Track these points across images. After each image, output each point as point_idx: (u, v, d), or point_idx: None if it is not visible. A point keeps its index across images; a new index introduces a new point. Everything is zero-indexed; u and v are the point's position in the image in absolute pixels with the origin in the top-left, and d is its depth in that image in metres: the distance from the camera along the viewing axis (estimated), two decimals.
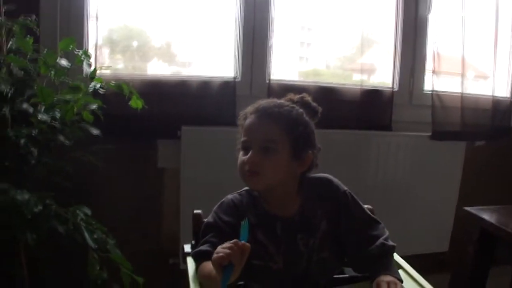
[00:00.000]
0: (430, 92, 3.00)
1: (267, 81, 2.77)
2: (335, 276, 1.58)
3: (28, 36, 2.12)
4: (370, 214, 1.61)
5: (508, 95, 3.27)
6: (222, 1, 2.78)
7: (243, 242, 1.28)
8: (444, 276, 2.65)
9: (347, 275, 1.62)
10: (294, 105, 1.57)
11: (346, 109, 2.89)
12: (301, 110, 1.56)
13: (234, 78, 2.73)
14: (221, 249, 1.27)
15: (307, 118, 1.56)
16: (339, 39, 3.08)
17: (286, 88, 2.62)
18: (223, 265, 1.25)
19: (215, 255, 1.27)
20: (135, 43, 2.86)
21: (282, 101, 1.59)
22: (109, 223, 2.19)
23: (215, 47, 2.82)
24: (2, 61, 2.09)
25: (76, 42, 2.20)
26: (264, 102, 1.56)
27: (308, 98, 1.63)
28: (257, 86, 2.77)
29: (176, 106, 2.62)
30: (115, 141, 2.38)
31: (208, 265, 1.37)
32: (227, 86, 2.70)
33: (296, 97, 1.62)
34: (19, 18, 2.12)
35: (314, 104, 1.63)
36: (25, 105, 2.07)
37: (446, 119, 3.02)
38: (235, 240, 1.28)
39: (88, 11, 2.57)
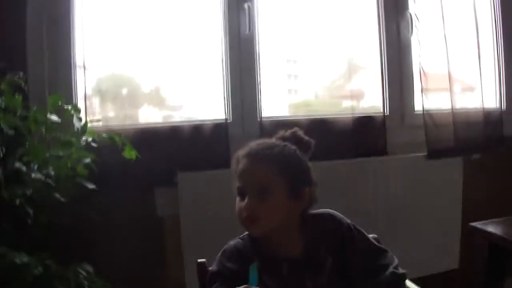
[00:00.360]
0: (421, 112, 3.01)
1: (259, 120, 2.77)
2: None
3: (17, 93, 2.11)
4: (377, 244, 1.58)
5: (497, 105, 3.32)
6: (207, 43, 2.79)
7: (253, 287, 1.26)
8: None
9: None
10: (286, 143, 1.55)
11: (339, 138, 2.89)
12: (293, 147, 1.54)
13: (226, 119, 2.72)
14: None
15: (300, 155, 1.54)
16: (325, 67, 3.10)
17: (278, 124, 2.63)
18: None
19: None
20: (124, 91, 2.88)
21: (273, 141, 1.57)
22: (112, 277, 2.17)
23: (204, 88, 2.84)
24: None
25: (64, 97, 2.22)
26: (254, 144, 1.54)
27: (300, 133, 1.61)
28: (249, 125, 2.77)
29: (170, 152, 2.60)
30: (111, 193, 2.37)
31: None
32: (219, 128, 2.70)
33: (288, 133, 1.60)
34: (6, 77, 2.11)
35: (306, 138, 1.60)
36: (17, 164, 2.05)
37: (439, 136, 3.03)
38: (246, 285, 1.27)
39: (75, 62, 2.56)
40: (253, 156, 1.50)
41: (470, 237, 2.66)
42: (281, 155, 1.50)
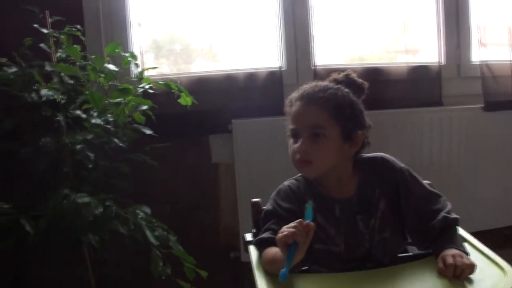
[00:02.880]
0: (478, 63, 2.93)
1: (313, 67, 2.76)
2: (399, 255, 1.56)
3: (75, 45, 2.17)
4: (430, 188, 1.58)
5: None
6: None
7: (307, 221, 1.29)
8: (510, 251, 2.59)
9: (410, 253, 1.59)
10: (339, 86, 1.55)
11: (394, 88, 2.85)
12: (346, 90, 1.54)
13: (280, 67, 2.73)
14: (286, 229, 1.28)
15: (353, 98, 1.54)
16: (380, 21, 3.04)
17: (332, 72, 2.59)
18: (288, 244, 1.26)
19: (279, 234, 1.28)
20: (177, 47, 2.91)
21: (326, 83, 1.57)
22: (167, 221, 2.24)
23: (257, 41, 2.84)
24: (52, 70, 2.14)
25: (121, 47, 2.25)
26: (308, 87, 1.55)
27: (353, 75, 1.61)
28: (303, 74, 2.75)
29: (224, 100, 2.64)
30: (167, 140, 2.42)
31: (271, 251, 1.39)
32: (273, 76, 2.71)
33: (341, 75, 1.60)
34: (65, 29, 2.18)
35: (359, 80, 1.60)
36: (78, 111, 2.12)
37: (497, 88, 2.94)
38: (299, 219, 1.29)
39: (130, 19, 2.63)
40: (306, 98, 1.51)
41: None
42: (335, 98, 1.50)
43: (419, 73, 2.90)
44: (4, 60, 2.15)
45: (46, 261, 2.14)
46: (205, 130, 2.67)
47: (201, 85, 2.64)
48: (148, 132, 2.24)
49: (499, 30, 2.99)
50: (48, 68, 2.13)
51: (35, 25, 2.17)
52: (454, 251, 1.36)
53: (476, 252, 1.45)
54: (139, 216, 2.07)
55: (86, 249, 2.20)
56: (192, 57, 2.90)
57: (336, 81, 1.58)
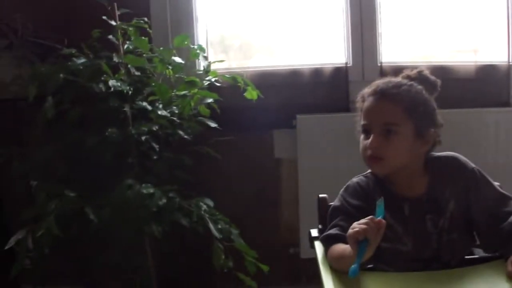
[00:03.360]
0: None
1: (379, 64, 2.73)
2: (466, 257, 1.52)
3: (142, 37, 2.19)
4: (501, 190, 1.52)
5: None
6: None
7: (379, 218, 1.26)
8: None
9: (477, 256, 1.55)
10: (412, 83, 1.52)
11: (461, 87, 2.77)
12: (419, 86, 1.51)
13: (346, 63, 2.71)
14: (357, 225, 1.26)
15: (426, 95, 1.51)
16: (448, 19, 2.97)
17: (398, 69, 2.52)
18: (359, 241, 1.24)
19: (350, 230, 1.26)
20: (238, 42, 2.91)
21: (399, 79, 1.54)
22: (229, 214, 2.24)
23: (324, 37, 2.82)
24: (120, 62, 2.17)
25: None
26: (381, 82, 1.52)
27: (426, 72, 1.58)
28: (369, 70, 2.72)
29: (289, 95, 2.64)
30: (231, 134, 2.43)
31: (338, 247, 1.37)
32: (338, 72, 2.68)
33: (413, 72, 1.57)
34: (132, 21, 2.21)
35: (432, 77, 1.57)
36: (144, 103, 2.15)
37: None
38: (371, 216, 1.27)
39: (196, 14, 2.66)
40: (380, 94, 1.48)
41: None
42: (409, 95, 1.47)
43: (487, 72, 2.82)
44: (73, 51, 2.20)
45: (109, 250, 2.17)
46: (269, 125, 2.67)
47: (265, 80, 2.64)
48: (213, 125, 2.25)
49: None
50: (116, 59, 2.18)
51: (104, 17, 2.21)
52: None
53: None
54: (203, 209, 2.08)
55: (147, 240, 2.23)
56: (252, 52, 2.90)
57: (409, 78, 1.55)
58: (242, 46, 2.91)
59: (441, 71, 2.78)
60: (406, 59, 2.93)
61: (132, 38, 2.19)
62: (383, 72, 2.67)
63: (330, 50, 2.81)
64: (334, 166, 2.42)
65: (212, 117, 2.27)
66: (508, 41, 2.88)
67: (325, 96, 2.65)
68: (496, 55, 2.94)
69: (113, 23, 2.21)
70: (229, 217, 2.22)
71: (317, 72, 2.67)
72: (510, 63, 2.85)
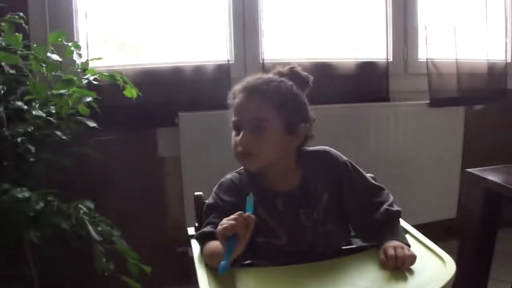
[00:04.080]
0: (425, 61, 3.00)
1: (261, 61, 2.78)
2: (343, 247, 1.57)
3: (18, 33, 2.10)
4: (373, 181, 1.58)
5: (503, 58, 3.27)
6: None
7: (248, 213, 1.28)
8: (453, 243, 2.63)
9: (353, 246, 1.60)
10: (282, 79, 1.53)
11: (342, 83, 2.88)
12: (290, 83, 1.53)
13: (228, 60, 2.73)
14: (226, 221, 1.27)
15: (297, 91, 1.53)
16: (330, 17, 3.06)
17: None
18: (228, 237, 1.25)
19: (219, 227, 1.27)
20: (125, 38, 2.86)
21: (270, 76, 1.56)
22: (113, 215, 2.20)
23: (206, 34, 2.83)
24: None
25: (66, 37, 2.18)
26: (251, 79, 1.54)
27: (298, 68, 1.59)
28: (251, 67, 2.76)
29: (171, 93, 2.62)
30: (113, 133, 2.39)
31: (212, 245, 1.38)
32: (221, 69, 2.70)
33: (285, 69, 1.58)
34: (6, 16, 2.11)
35: (304, 73, 1.59)
36: (19, 103, 2.06)
37: (442, 86, 3.03)
38: (240, 212, 1.29)
39: (77, 8, 2.57)
40: (249, 90, 1.50)
41: (468, 186, 2.66)
42: (278, 91, 1.49)
43: (367, 68, 2.95)
44: None
45: None
46: (152, 123, 2.65)
47: (148, 78, 2.60)
48: (92, 124, 2.18)
49: (444, 29, 3.06)
50: None
51: None
52: (395, 243, 1.37)
53: (417, 244, 1.46)
54: (82, 211, 2.03)
55: (27, 246, 2.14)
56: (140, 49, 2.86)
57: (281, 74, 1.57)
58: (126, 44, 2.85)
59: (323, 67, 2.86)
60: (288, 56, 2.99)
61: (4, 34, 2.09)
62: (265, 69, 2.72)
63: (214, 48, 2.81)
64: (217, 163, 2.40)
65: (93, 117, 2.20)
66: (387, 39, 3.03)
67: (207, 93, 2.64)
68: (375, 53, 3.06)
69: None
70: (114, 218, 2.18)
71: (199, 69, 2.67)
72: (389, 60, 2.98)
